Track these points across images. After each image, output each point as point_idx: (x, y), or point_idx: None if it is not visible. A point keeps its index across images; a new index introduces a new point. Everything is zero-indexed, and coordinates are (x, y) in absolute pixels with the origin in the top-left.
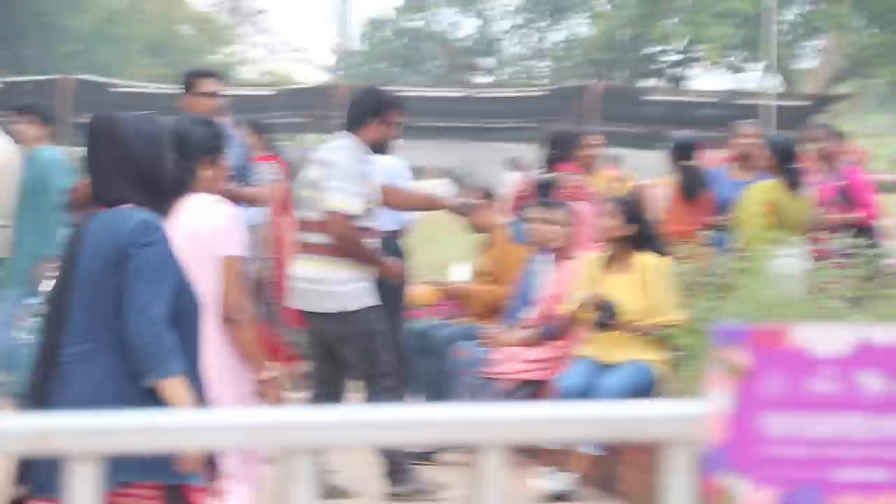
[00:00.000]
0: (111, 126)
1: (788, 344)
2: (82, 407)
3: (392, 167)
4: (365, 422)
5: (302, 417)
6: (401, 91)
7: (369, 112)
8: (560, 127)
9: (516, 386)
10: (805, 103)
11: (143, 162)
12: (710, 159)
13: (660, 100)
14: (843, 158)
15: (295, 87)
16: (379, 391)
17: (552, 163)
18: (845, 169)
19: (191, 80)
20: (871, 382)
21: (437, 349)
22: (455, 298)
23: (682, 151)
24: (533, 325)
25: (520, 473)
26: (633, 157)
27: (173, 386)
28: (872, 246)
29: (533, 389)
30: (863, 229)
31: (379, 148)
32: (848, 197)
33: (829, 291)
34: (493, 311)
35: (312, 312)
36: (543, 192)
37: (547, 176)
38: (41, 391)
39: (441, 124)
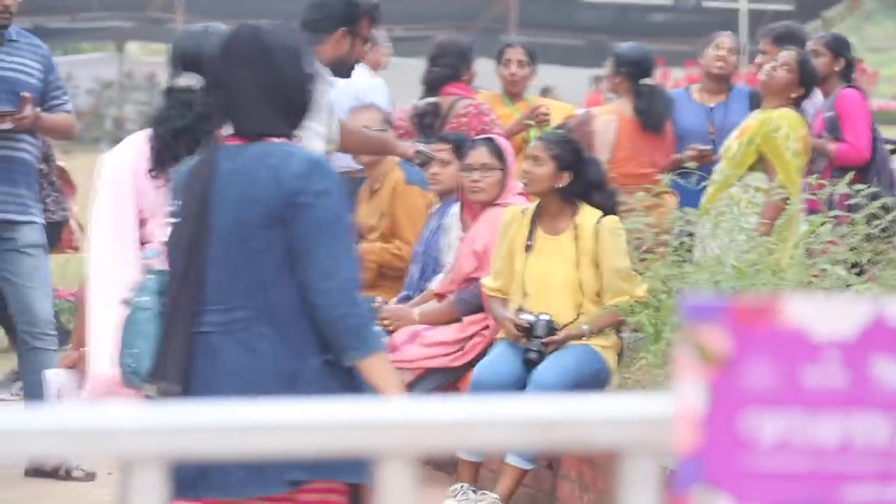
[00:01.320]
0: (256, 38)
1: (780, 322)
2: (237, 388)
3: (364, 89)
4: (222, 424)
5: (148, 420)
6: None
7: (335, 19)
8: (448, 36)
9: (419, 376)
10: (787, 8)
11: (292, 85)
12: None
13: (599, 2)
14: (846, 81)
15: None
16: None
17: (436, 84)
18: (841, 94)
19: None
20: (889, 372)
21: None
22: None
23: (638, 68)
24: (441, 296)
25: (427, 492)
26: (565, 77)
27: (376, 364)
28: (876, 196)
29: (442, 381)
30: (864, 172)
31: (341, 68)
32: (837, 132)
33: (824, 254)
34: (387, 277)
35: None
36: (427, 124)
37: (430, 101)
38: (178, 367)
39: None
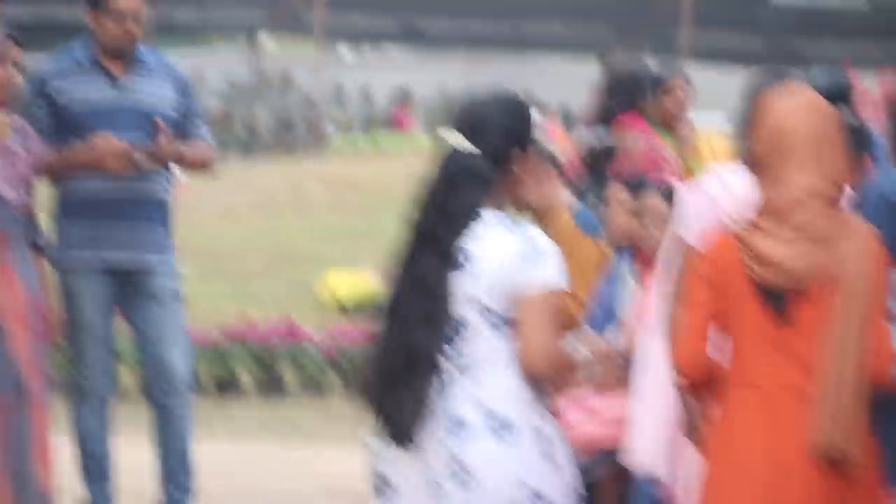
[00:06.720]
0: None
1: None
2: None
3: None
4: None
5: None
6: None
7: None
8: (622, 59)
9: (593, 457)
10: None
11: None
12: (863, 98)
13: (786, 1)
14: None
15: None
16: None
17: (609, 115)
18: None
19: None
20: None
21: None
22: None
23: (831, 95)
24: (612, 359)
25: None
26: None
27: None
28: None
29: (615, 464)
30: None
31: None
32: None
33: None
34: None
35: None
36: (600, 162)
37: (607, 146)
38: None
39: (466, 32)
